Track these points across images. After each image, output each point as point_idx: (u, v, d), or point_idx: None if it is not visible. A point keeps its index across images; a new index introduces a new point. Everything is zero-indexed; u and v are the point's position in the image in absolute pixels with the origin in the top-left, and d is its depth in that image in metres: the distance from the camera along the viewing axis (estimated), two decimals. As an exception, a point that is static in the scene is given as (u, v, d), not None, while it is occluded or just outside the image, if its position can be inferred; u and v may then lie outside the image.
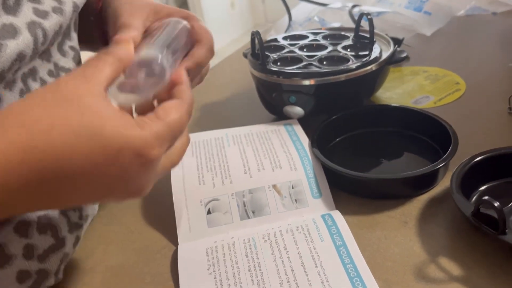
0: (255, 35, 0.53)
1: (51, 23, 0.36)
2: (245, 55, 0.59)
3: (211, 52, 0.41)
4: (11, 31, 0.32)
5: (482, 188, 0.41)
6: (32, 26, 0.34)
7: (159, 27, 0.37)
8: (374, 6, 0.80)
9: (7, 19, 0.32)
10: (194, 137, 0.50)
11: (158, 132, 0.27)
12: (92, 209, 0.42)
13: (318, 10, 0.80)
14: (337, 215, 0.40)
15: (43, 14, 0.36)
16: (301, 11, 0.90)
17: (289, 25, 0.78)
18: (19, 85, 0.34)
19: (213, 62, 0.82)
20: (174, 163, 0.32)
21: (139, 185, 0.28)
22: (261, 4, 3.49)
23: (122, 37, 0.33)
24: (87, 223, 0.42)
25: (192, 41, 0.40)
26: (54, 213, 0.37)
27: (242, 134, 0.49)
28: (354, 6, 0.75)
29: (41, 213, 0.36)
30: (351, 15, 0.72)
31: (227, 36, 3.30)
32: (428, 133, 0.48)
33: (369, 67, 0.50)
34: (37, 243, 0.35)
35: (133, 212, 0.46)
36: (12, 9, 0.33)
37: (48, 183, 0.25)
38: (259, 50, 0.52)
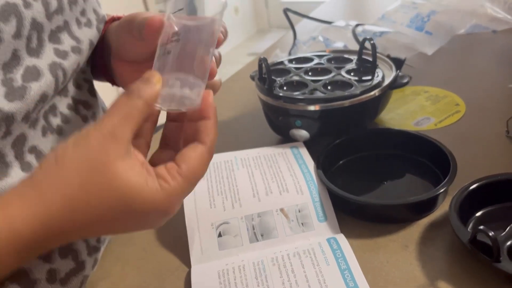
0: (262, 61, 0.55)
1: (70, 62, 0.38)
2: (252, 78, 0.61)
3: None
4: (35, 73, 0.34)
5: (480, 213, 0.43)
6: (53, 67, 0.36)
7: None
8: (377, 24, 0.82)
9: (30, 61, 0.34)
10: (205, 159, 0.52)
11: (181, 191, 0.31)
12: (108, 232, 0.45)
13: (322, 28, 0.83)
14: (341, 239, 0.42)
15: (63, 55, 0.38)
16: (305, 27, 0.93)
17: (294, 44, 0.81)
18: (42, 122, 0.36)
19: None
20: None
21: (158, 224, 0.32)
22: (264, 10, 3.52)
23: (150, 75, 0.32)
24: (105, 245, 0.45)
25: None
26: (75, 238, 0.39)
27: (251, 157, 0.52)
28: (357, 25, 0.78)
29: (63, 238, 0.38)
30: (354, 34, 0.75)
31: (230, 41, 3.33)
32: (428, 157, 0.51)
33: (372, 93, 0.52)
34: (59, 267, 0.38)
35: (147, 233, 0.48)
36: (35, 51, 0.35)
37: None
38: (266, 75, 0.55)
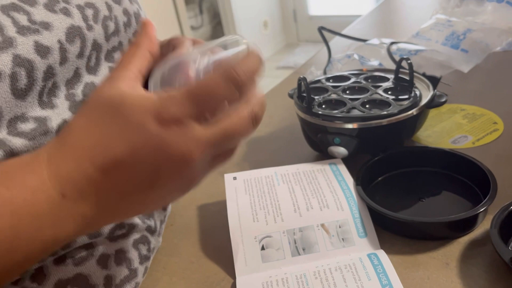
0: (302, 80, 0.57)
1: None
2: (290, 96, 0.63)
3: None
4: (93, 89, 0.38)
5: (521, 232, 0.43)
6: None
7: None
8: (410, 41, 0.83)
9: (89, 78, 0.38)
10: (246, 175, 0.54)
11: (212, 137, 0.28)
12: (157, 242, 0.47)
13: (356, 46, 0.84)
14: (382, 254, 0.43)
15: None
16: (338, 44, 0.95)
17: (329, 61, 0.83)
18: None
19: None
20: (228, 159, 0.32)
21: (192, 176, 0.29)
22: (293, 24, 3.56)
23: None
24: (153, 254, 0.47)
25: None
26: (128, 247, 0.42)
27: (290, 173, 0.54)
28: (392, 43, 0.79)
29: (117, 247, 0.41)
30: (389, 53, 0.76)
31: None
32: (467, 175, 0.51)
33: (410, 112, 0.53)
34: (114, 274, 0.40)
35: (192, 244, 0.50)
36: (93, 69, 0.39)
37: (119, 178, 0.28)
38: (305, 94, 0.57)
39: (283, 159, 0.63)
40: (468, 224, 0.45)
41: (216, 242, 0.50)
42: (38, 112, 0.33)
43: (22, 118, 0.32)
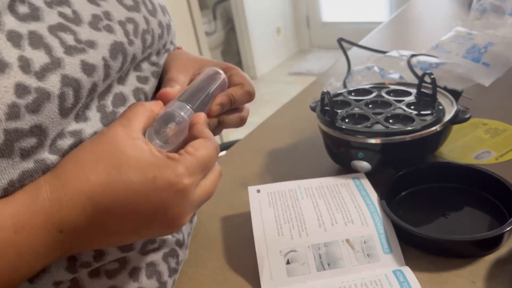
0: (325, 94, 0.58)
1: (150, 86, 0.42)
2: (312, 109, 0.64)
3: (249, 95, 0.43)
4: (122, 99, 0.38)
5: (548, 251, 0.43)
6: (136, 92, 0.40)
7: (195, 78, 0.42)
8: (430, 53, 0.84)
9: (118, 88, 0.38)
10: (270, 188, 0.55)
11: (188, 164, 0.31)
12: (184, 254, 0.48)
13: (375, 58, 0.85)
14: (408, 271, 0.44)
15: (144, 80, 0.42)
16: (356, 55, 0.95)
17: (349, 73, 0.83)
18: None
19: (275, 107, 0.88)
20: (209, 194, 0.35)
21: (177, 213, 0.32)
22: (306, 30, 3.57)
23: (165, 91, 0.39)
24: (181, 267, 0.48)
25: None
26: (158, 260, 0.43)
27: (314, 187, 0.54)
28: (412, 56, 0.79)
29: (148, 260, 0.42)
30: (409, 66, 0.76)
31: (272, 61, 3.39)
32: (491, 191, 0.51)
33: (433, 128, 0.54)
34: (145, 287, 0.41)
35: (217, 255, 0.51)
36: (122, 79, 0.39)
37: (103, 215, 0.31)
38: (329, 108, 0.57)
39: (305, 171, 0.64)
40: (494, 242, 0.45)
41: (240, 254, 0.50)
42: (73, 126, 0.34)
43: (61, 134, 0.33)
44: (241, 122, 0.45)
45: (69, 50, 0.32)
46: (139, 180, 0.30)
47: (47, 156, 0.32)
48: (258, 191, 0.55)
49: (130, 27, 0.38)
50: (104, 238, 0.33)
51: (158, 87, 0.43)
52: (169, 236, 0.43)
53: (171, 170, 0.31)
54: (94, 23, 0.35)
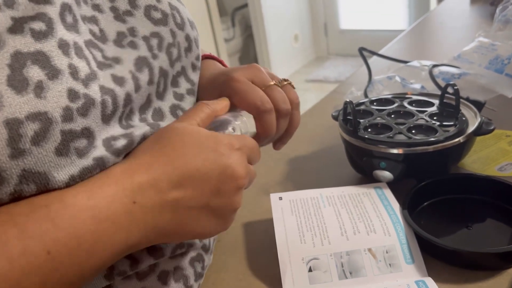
0: (348, 104, 0.59)
1: (186, 104, 0.44)
2: (334, 118, 0.64)
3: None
4: (160, 115, 0.40)
5: None
6: (173, 109, 0.42)
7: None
8: (451, 63, 0.83)
9: (157, 103, 0.40)
10: (292, 195, 0.56)
11: (236, 139, 0.37)
12: (209, 259, 0.49)
13: (396, 68, 0.85)
14: (430, 282, 0.44)
15: (180, 97, 0.44)
16: (376, 64, 0.95)
17: (370, 82, 0.83)
18: None
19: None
20: (253, 175, 0.40)
21: (239, 172, 0.36)
22: (324, 37, 3.58)
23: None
24: (205, 271, 0.49)
25: None
26: (185, 264, 0.44)
27: (336, 196, 0.55)
28: (434, 66, 0.79)
29: (176, 264, 0.43)
30: (431, 76, 0.76)
31: (289, 68, 3.41)
32: (515, 204, 0.51)
33: (456, 139, 0.54)
34: (172, 290, 0.42)
35: (240, 261, 0.52)
36: (161, 95, 0.41)
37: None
38: (352, 117, 0.58)
39: (326, 180, 0.64)
40: (518, 255, 0.45)
41: (263, 261, 0.51)
42: (121, 131, 0.35)
43: (114, 137, 0.34)
44: (289, 135, 0.53)
45: (100, 65, 0.34)
46: (207, 149, 0.35)
47: (105, 153, 0.33)
48: (280, 198, 0.56)
49: (154, 41, 0.40)
50: (177, 213, 0.33)
51: None
52: (196, 241, 0.44)
53: (227, 138, 0.36)
54: (119, 40, 0.37)
